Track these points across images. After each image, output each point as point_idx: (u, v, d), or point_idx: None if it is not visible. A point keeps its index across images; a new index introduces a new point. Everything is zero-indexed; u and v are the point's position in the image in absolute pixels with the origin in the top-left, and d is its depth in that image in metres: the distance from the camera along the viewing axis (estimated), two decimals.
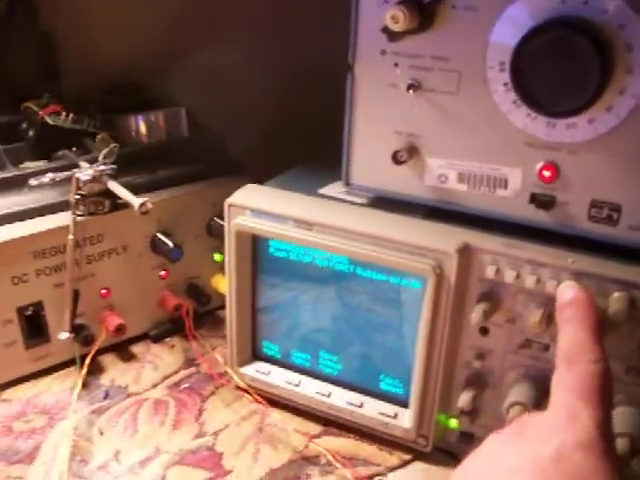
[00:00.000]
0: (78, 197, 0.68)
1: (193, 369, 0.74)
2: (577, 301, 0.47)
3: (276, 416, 0.66)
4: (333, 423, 0.66)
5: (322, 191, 0.64)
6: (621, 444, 0.51)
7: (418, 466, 0.62)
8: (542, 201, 0.54)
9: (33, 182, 0.67)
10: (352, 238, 0.58)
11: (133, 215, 0.67)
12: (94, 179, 0.68)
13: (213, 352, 0.75)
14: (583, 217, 0.53)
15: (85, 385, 0.70)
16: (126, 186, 0.69)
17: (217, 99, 0.87)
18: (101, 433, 0.65)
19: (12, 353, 0.69)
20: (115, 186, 0.69)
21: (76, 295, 0.69)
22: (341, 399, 0.64)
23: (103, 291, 0.73)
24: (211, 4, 0.90)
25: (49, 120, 0.77)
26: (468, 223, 0.56)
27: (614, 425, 0.48)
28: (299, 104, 0.91)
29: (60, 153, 0.76)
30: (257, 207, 0.61)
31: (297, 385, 0.66)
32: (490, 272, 0.54)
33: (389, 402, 0.63)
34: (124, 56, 0.87)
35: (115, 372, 0.73)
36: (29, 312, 0.69)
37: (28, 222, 0.67)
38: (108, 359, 0.75)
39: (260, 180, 0.66)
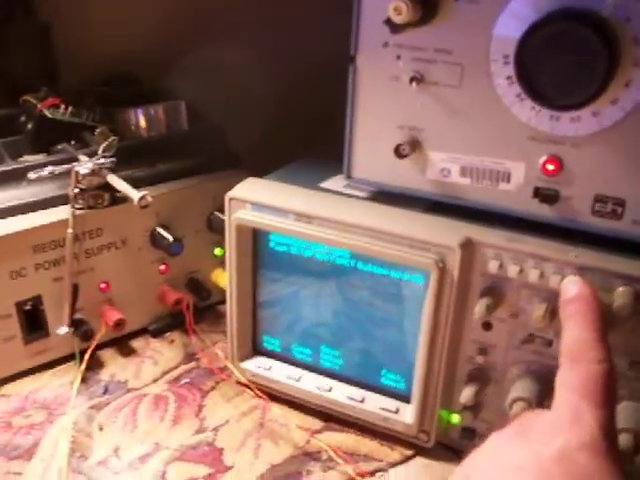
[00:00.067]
0: (77, 191, 0.67)
1: (193, 364, 0.74)
2: (581, 297, 0.47)
3: (277, 411, 0.66)
4: (334, 418, 0.65)
5: (323, 185, 0.64)
6: (624, 440, 0.50)
7: (420, 461, 0.62)
8: (545, 195, 0.53)
9: (32, 175, 0.67)
10: (353, 232, 0.57)
11: (133, 209, 0.66)
12: (93, 172, 0.67)
13: (213, 347, 0.74)
14: (587, 211, 0.53)
15: (84, 380, 0.70)
16: (125, 180, 0.68)
17: (217, 92, 0.86)
18: (101, 428, 0.65)
19: (11, 348, 0.68)
20: (114, 179, 0.68)
21: (75, 289, 0.69)
22: (342, 394, 0.64)
23: (102, 285, 0.72)
24: None
25: (48, 113, 0.76)
26: (471, 217, 0.56)
27: (618, 421, 0.48)
28: (299, 98, 0.90)
29: (59, 146, 0.75)
30: (258, 201, 0.61)
31: (298, 380, 0.66)
32: (493, 267, 0.53)
33: (390, 397, 0.63)
34: (123, 48, 0.87)
35: (115, 367, 0.73)
36: (28, 307, 0.68)
37: (27, 216, 0.67)
38: (107, 354, 0.75)
39: (260, 174, 0.66)
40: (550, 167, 0.52)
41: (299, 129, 0.86)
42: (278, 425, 0.65)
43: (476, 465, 0.43)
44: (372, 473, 0.60)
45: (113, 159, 0.69)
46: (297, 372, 0.66)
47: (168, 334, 0.78)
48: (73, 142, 0.76)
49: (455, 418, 0.61)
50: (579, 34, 0.46)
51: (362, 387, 0.64)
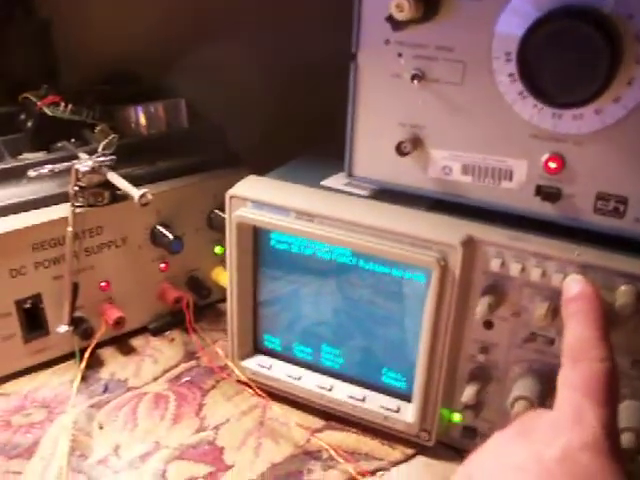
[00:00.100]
0: (77, 188, 0.67)
1: (193, 362, 0.73)
2: (583, 295, 0.46)
3: (277, 410, 0.66)
4: (335, 417, 0.65)
5: (324, 183, 0.63)
6: (627, 439, 0.50)
7: (421, 460, 0.61)
8: (548, 193, 0.53)
9: (32, 173, 0.66)
10: (355, 230, 0.57)
11: (133, 207, 0.66)
12: (93, 170, 0.67)
13: (214, 345, 0.74)
14: (589, 209, 0.53)
15: (84, 379, 0.69)
16: (126, 177, 0.68)
17: (217, 92, 0.86)
18: (101, 427, 0.64)
19: (10, 346, 0.68)
20: (115, 177, 0.68)
21: (75, 288, 0.69)
22: (343, 393, 0.64)
23: (102, 284, 0.72)
24: None
25: (48, 111, 0.76)
26: (472, 215, 0.56)
27: (620, 420, 0.47)
28: (299, 97, 0.90)
29: (59, 144, 0.75)
30: (259, 199, 0.61)
31: (299, 379, 0.66)
32: (495, 265, 0.53)
33: (391, 396, 0.63)
34: (123, 47, 0.87)
35: (115, 366, 0.73)
36: (28, 305, 0.68)
37: (27, 214, 0.66)
38: (107, 352, 0.74)
39: (261, 173, 0.65)
40: (552, 165, 0.52)
41: (299, 129, 0.86)
42: (279, 424, 0.65)
43: (478, 465, 0.42)
44: (373, 472, 0.60)
45: (113, 157, 0.69)
46: (298, 371, 0.66)
47: (168, 332, 0.78)
48: (73, 140, 0.76)
49: (456, 417, 0.61)
50: (581, 32, 0.46)
51: (363, 386, 0.64)
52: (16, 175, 0.68)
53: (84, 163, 0.67)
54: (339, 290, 0.62)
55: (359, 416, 0.64)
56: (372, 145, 0.59)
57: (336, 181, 0.63)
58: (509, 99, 0.52)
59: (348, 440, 0.63)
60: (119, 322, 0.72)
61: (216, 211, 0.76)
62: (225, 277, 0.68)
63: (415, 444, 0.62)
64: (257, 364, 0.67)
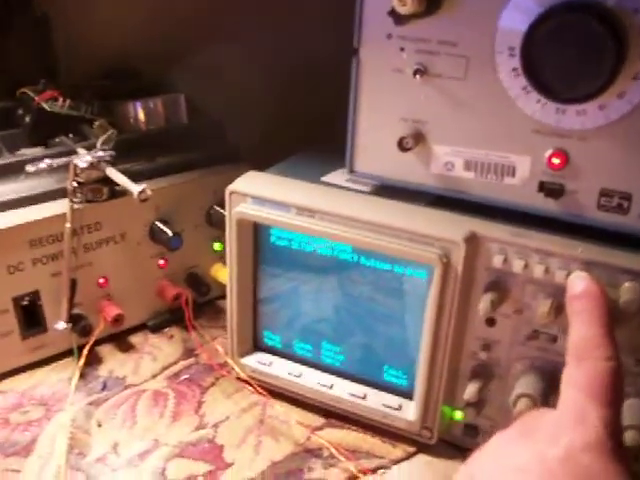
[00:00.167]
0: (76, 184, 0.66)
1: (192, 360, 0.73)
2: (588, 293, 0.46)
3: (277, 408, 0.65)
4: (335, 415, 0.65)
5: (325, 178, 0.63)
6: (631, 437, 0.50)
7: (422, 458, 0.61)
8: (551, 189, 0.53)
9: (30, 169, 0.66)
10: (356, 226, 0.57)
11: (132, 203, 0.66)
12: (92, 166, 0.67)
13: (213, 342, 0.74)
14: (593, 206, 0.52)
15: (83, 376, 0.69)
16: (124, 173, 0.68)
17: (216, 91, 0.86)
18: (99, 425, 0.64)
19: (8, 344, 0.68)
20: (113, 173, 0.67)
21: (73, 284, 0.68)
22: (344, 390, 0.64)
23: (101, 280, 0.72)
24: None
25: (45, 106, 0.76)
26: (475, 212, 0.55)
27: (623, 418, 0.47)
28: (299, 97, 0.89)
29: (57, 140, 0.75)
30: (259, 195, 0.60)
31: (299, 376, 0.65)
32: (498, 261, 0.53)
33: (392, 394, 0.63)
34: (123, 42, 0.86)
35: (113, 363, 0.72)
36: (25, 302, 0.68)
37: (24, 210, 0.66)
38: (106, 350, 0.74)
39: (260, 168, 0.65)
40: (556, 161, 0.52)
41: (299, 128, 0.86)
42: (279, 422, 0.65)
43: (480, 465, 0.42)
44: (374, 470, 0.60)
45: (112, 152, 0.68)
46: (298, 368, 0.66)
47: (167, 329, 0.78)
48: (71, 135, 0.76)
49: (458, 415, 0.60)
50: (586, 26, 0.45)
51: (364, 383, 0.64)
52: (14, 170, 0.67)
53: (82, 158, 0.66)
54: (340, 287, 0.62)
55: (360, 414, 0.63)
56: (374, 141, 0.58)
57: (337, 177, 0.63)
58: (512, 94, 0.51)
59: (349, 438, 0.63)
60: (118, 319, 0.71)
61: (215, 207, 0.76)
62: (224, 274, 0.67)
63: (416, 442, 0.62)
64: (257, 361, 0.67)
